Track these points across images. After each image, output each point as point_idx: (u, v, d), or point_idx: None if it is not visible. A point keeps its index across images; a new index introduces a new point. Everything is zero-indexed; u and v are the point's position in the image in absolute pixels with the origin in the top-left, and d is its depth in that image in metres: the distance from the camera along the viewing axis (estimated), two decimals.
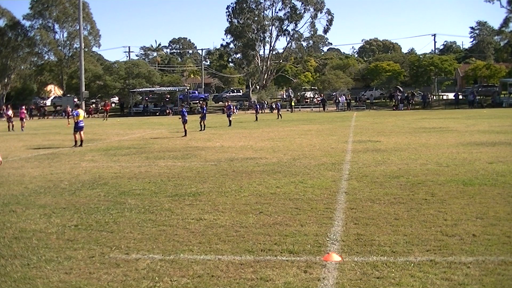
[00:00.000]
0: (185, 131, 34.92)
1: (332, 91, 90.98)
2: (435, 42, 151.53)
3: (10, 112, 49.17)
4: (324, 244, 8.85)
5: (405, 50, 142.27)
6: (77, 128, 28.91)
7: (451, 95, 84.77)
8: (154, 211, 11.60)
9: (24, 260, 8.37)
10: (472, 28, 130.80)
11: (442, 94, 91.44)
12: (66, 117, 59.26)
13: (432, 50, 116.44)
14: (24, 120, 49.25)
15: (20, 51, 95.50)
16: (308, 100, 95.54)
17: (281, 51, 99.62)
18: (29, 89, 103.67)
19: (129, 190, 14.37)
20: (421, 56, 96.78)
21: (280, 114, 59.26)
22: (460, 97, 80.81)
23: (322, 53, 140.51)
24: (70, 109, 38.79)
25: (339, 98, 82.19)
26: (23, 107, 53.99)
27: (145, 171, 18.23)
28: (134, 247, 8.95)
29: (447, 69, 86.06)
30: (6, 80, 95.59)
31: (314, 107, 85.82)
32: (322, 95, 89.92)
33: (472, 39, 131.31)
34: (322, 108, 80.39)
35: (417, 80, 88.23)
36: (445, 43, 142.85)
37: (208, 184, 15.05)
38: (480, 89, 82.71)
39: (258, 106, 59.64)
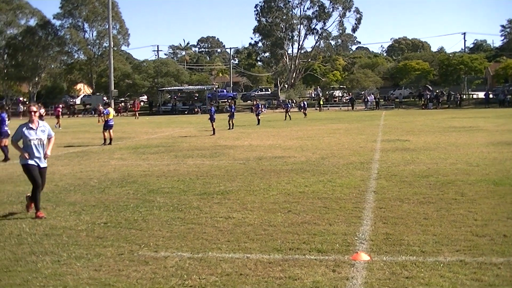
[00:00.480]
0: (214, 129, 35.02)
1: (361, 90, 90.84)
2: (465, 40, 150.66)
3: (42, 111, 49.56)
4: (352, 243, 8.81)
5: (434, 48, 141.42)
6: (107, 126, 29.31)
7: (481, 94, 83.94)
8: (183, 209, 11.63)
9: (55, 256, 8.45)
10: (503, 26, 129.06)
11: (472, 93, 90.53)
12: (97, 115, 59.92)
13: (462, 49, 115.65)
14: (59, 118, 49.87)
15: (50, 50, 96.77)
16: (337, 99, 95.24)
17: (309, 50, 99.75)
18: (59, 87, 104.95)
19: (158, 188, 14.44)
20: (450, 55, 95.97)
21: (305, 113, 59.23)
22: (491, 96, 79.92)
23: (351, 52, 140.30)
24: (102, 108, 39.27)
25: (368, 97, 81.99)
26: (60, 105, 54.54)
27: (173, 169, 18.30)
28: (162, 245, 8.98)
29: (477, 68, 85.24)
30: (36, 79, 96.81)
31: (342, 106, 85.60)
32: (350, 94, 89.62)
33: (502, 37, 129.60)
34: (350, 107, 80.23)
35: (447, 79, 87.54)
36: (475, 41, 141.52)
37: (236, 183, 15.06)
38: (511, 88, 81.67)
39: (288, 105, 59.45)
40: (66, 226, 10.37)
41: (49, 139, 11.61)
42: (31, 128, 11.28)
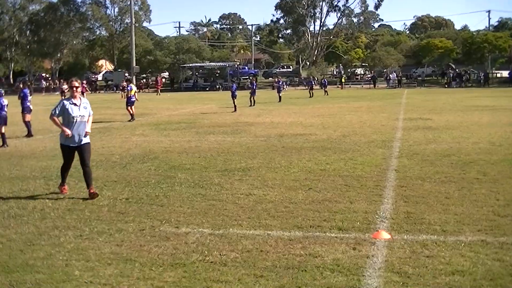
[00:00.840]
0: (235, 106, 35.00)
1: (383, 68, 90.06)
2: (489, 18, 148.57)
3: (65, 87, 50.03)
4: (373, 221, 8.79)
5: (458, 27, 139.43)
6: (130, 102, 29.44)
7: (505, 73, 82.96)
8: (204, 186, 11.67)
9: (77, 231, 8.53)
10: None
11: (496, 72, 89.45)
12: (119, 90, 60.43)
13: (486, 27, 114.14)
14: (84, 94, 50.15)
15: (72, 26, 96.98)
16: (359, 76, 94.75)
17: (331, 27, 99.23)
18: (81, 63, 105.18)
19: (179, 165, 14.49)
20: (474, 33, 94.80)
21: (326, 91, 58.88)
22: None
23: (373, 29, 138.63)
24: (126, 84, 39.62)
25: (390, 75, 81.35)
26: (85, 81, 54.68)
27: (195, 146, 18.35)
28: (184, 221, 9.03)
29: (502, 46, 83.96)
30: (59, 55, 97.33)
31: (364, 84, 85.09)
32: (372, 72, 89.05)
33: None
34: (372, 85, 79.71)
35: (470, 58, 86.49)
36: (500, 19, 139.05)
37: (257, 160, 15.08)
38: None
39: (312, 82, 59.20)
40: (88, 201, 10.45)
41: (89, 116, 11.12)
42: (75, 104, 10.81)
